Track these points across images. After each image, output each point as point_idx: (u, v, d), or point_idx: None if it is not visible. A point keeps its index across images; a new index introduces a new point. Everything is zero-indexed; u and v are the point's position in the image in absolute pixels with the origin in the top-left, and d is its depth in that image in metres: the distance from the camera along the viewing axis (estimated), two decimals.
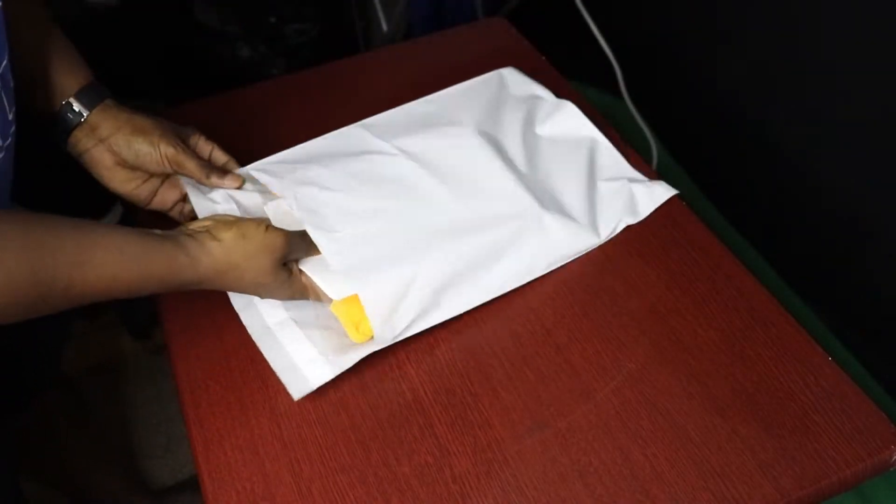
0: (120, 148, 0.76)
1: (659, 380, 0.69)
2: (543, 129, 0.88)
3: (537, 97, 0.90)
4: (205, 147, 0.81)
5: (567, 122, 0.88)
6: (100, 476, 1.22)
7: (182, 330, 0.75)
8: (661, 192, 0.83)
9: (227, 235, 0.67)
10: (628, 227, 0.81)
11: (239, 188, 0.80)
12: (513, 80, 0.93)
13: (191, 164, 0.77)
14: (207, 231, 0.67)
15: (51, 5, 0.78)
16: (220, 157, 0.82)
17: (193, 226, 0.69)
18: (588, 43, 1.27)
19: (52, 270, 0.57)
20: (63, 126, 0.76)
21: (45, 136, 0.75)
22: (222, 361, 0.72)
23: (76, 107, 0.75)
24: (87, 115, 0.75)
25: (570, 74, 1.01)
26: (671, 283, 0.76)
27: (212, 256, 0.66)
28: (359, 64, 1.05)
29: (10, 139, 0.64)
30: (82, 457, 1.18)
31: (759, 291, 0.75)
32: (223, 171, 0.80)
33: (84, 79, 0.76)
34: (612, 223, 0.81)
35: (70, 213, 0.59)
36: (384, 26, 1.58)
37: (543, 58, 1.02)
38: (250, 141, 0.86)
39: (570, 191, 0.82)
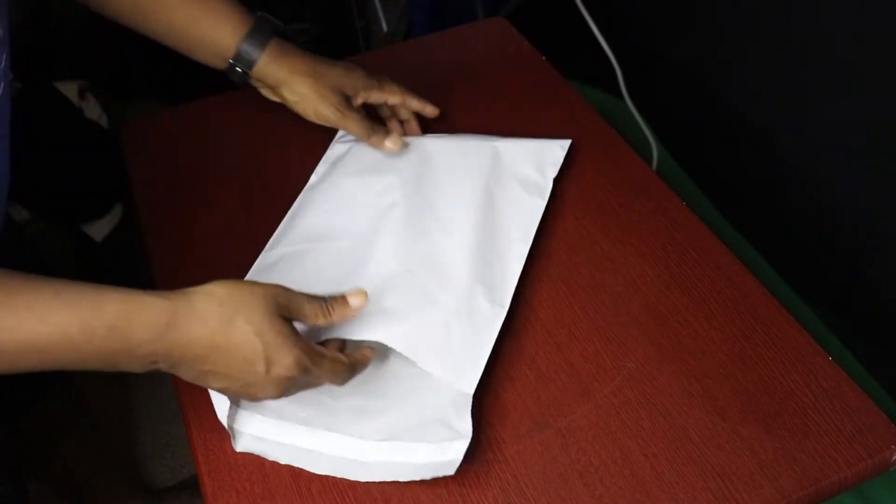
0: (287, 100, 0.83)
1: (659, 380, 0.68)
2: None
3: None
4: (395, 94, 0.86)
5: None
6: (100, 476, 1.22)
7: None
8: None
9: (220, 289, 0.55)
10: (629, 227, 0.81)
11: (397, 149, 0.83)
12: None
13: (353, 126, 0.82)
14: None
15: (51, 5, 0.78)
16: (412, 103, 0.88)
17: None
18: (588, 43, 1.27)
19: None
20: (240, 77, 0.82)
21: (47, 135, 0.76)
22: None
23: (239, 67, 0.81)
24: (251, 73, 0.81)
25: (570, 74, 1.01)
26: (671, 283, 0.76)
27: (199, 311, 0.53)
28: (359, 64, 1.05)
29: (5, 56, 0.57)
30: (83, 458, 1.18)
31: (759, 291, 0.75)
32: (385, 132, 0.84)
33: (240, 28, 0.80)
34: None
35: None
36: (384, 26, 1.58)
37: (543, 58, 1.02)
38: (251, 141, 0.86)
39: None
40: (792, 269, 1.24)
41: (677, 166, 1.43)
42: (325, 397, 0.66)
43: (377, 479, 0.63)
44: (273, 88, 0.83)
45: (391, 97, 0.87)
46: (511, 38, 1.05)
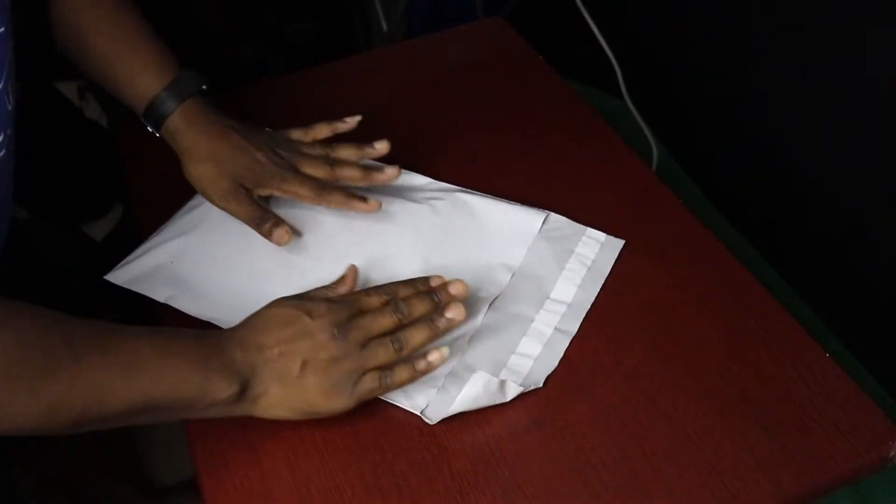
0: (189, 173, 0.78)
1: (657, 378, 0.69)
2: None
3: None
4: (305, 188, 0.76)
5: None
6: (100, 476, 1.22)
7: None
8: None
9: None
10: (628, 227, 0.81)
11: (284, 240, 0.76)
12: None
13: (240, 214, 0.76)
14: None
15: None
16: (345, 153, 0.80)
17: None
18: (588, 43, 1.27)
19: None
20: (155, 126, 0.78)
21: (47, 135, 0.76)
22: None
23: (150, 118, 0.78)
24: (166, 124, 0.77)
25: (570, 74, 1.01)
26: (670, 282, 0.76)
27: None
28: (359, 64, 1.05)
29: (9, 129, 0.63)
30: (82, 457, 1.18)
31: (757, 290, 0.75)
32: (275, 222, 0.75)
33: (163, 78, 0.77)
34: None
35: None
36: (384, 26, 1.58)
37: (541, 58, 1.02)
38: None
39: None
40: (792, 269, 1.25)
41: (677, 166, 1.44)
42: None
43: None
44: (176, 153, 0.78)
45: (302, 190, 0.76)
46: (510, 39, 1.06)
